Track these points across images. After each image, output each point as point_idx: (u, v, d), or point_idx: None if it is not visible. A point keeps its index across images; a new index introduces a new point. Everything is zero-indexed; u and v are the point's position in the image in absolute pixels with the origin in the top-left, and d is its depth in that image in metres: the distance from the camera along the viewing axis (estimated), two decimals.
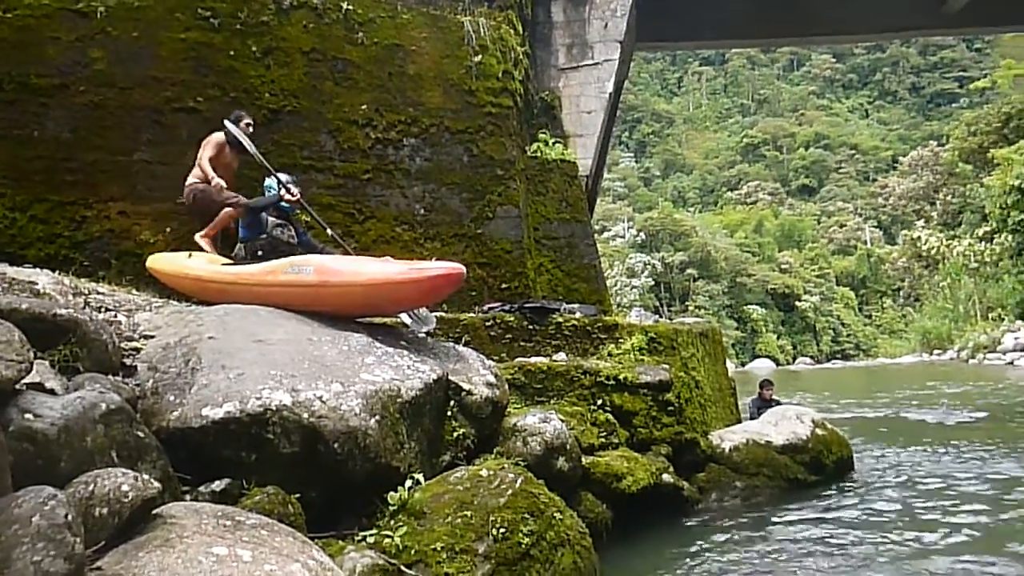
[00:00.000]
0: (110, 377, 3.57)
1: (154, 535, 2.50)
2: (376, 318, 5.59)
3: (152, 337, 4.45)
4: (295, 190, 6.08)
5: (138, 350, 4.20)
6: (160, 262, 6.37)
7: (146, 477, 2.61)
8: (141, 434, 3.10)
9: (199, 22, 8.05)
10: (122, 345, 4.12)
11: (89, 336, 3.62)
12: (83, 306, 4.57)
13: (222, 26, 8.12)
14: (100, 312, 4.70)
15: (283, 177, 6.10)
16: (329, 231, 6.38)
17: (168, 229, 7.59)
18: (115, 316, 4.79)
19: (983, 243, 38.63)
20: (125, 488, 2.47)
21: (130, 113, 7.69)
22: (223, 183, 6.44)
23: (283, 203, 6.08)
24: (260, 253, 5.70)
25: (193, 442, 3.57)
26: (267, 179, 6.20)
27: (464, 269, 5.10)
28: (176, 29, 7.96)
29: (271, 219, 5.92)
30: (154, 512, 2.61)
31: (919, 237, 54.30)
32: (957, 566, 4.69)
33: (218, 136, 6.70)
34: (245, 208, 6.17)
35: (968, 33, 50.10)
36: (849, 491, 7.22)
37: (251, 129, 6.75)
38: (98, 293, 5.29)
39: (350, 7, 8.80)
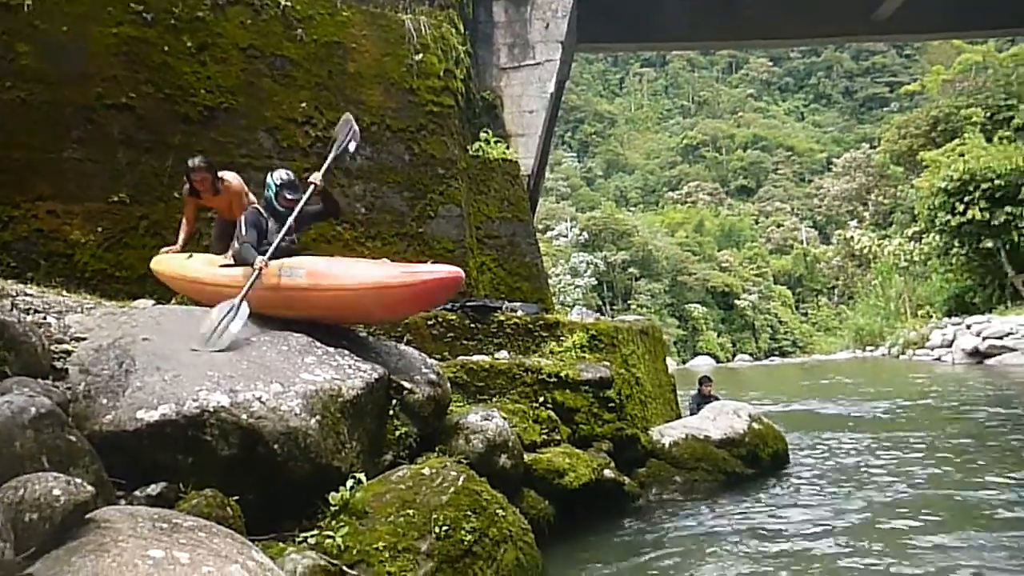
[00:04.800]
0: (39, 380, 3.48)
1: (88, 540, 2.45)
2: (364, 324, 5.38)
3: (84, 339, 4.35)
4: (290, 195, 5.41)
5: (69, 353, 4.10)
6: (162, 264, 6.22)
7: (79, 481, 2.55)
8: (73, 438, 3.03)
9: (131, 16, 7.87)
10: (52, 348, 4.02)
11: (17, 339, 3.52)
12: (10, 308, 4.42)
13: (155, 21, 7.95)
14: (28, 314, 4.57)
15: (281, 175, 5.50)
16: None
17: (99, 229, 7.40)
18: (44, 318, 4.66)
19: (912, 243, 39.89)
20: (56, 492, 2.41)
21: (59, 110, 7.47)
22: None
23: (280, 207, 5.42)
24: None
25: (128, 446, 3.50)
26: (270, 175, 5.58)
27: (463, 274, 4.78)
28: (107, 23, 7.77)
29: (270, 223, 5.39)
30: (87, 517, 2.56)
31: (852, 237, 55.85)
32: (883, 548, 4.89)
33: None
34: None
35: (897, 39, 51.91)
36: (783, 483, 7.43)
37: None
38: (26, 295, 5.13)
39: (288, 3, 8.71)
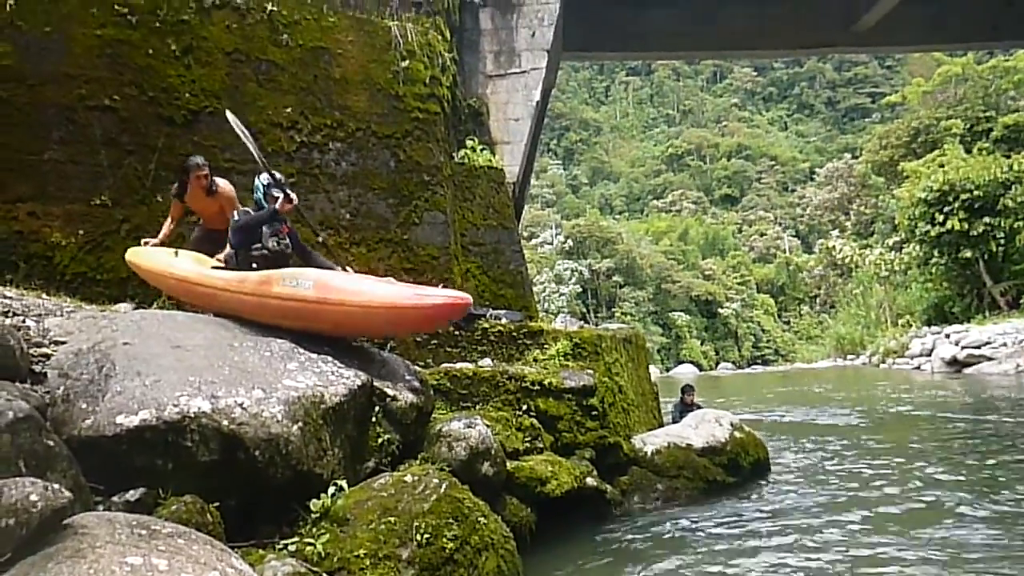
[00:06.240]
0: (17, 384, 3.44)
1: (64, 545, 2.43)
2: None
3: (63, 343, 4.30)
4: (292, 196, 5.43)
5: (48, 356, 4.06)
6: (142, 257, 6.05)
7: (56, 486, 2.52)
8: (51, 443, 2.99)
9: (115, 18, 7.83)
10: (31, 351, 3.98)
11: None
12: None
13: (140, 23, 7.91)
14: (7, 317, 4.53)
15: (266, 176, 5.47)
16: (320, 237, 6.02)
17: (80, 231, 7.34)
18: (23, 321, 4.61)
19: (893, 252, 40.33)
20: (33, 498, 2.38)
21: (40, 110, 7.41)
22: None
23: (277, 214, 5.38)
24: (255, 266, 5.20)
25: (107, 451, 3.47)
26: (257, 178, 5.54)
27: (471, 299, 4.85)
28: (91, 24, 7.72)
29: (264, 228, 5.32)
30: (65, 522, 2.53)
31: (834, 246, 56.36)
32: (858, 555, 4.92)
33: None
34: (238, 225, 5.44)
35: (878, 51, 52.41)
36: (764, 491, 7.45)
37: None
38: (4, 297, 5.09)
39: (274, 8, 8.68)
